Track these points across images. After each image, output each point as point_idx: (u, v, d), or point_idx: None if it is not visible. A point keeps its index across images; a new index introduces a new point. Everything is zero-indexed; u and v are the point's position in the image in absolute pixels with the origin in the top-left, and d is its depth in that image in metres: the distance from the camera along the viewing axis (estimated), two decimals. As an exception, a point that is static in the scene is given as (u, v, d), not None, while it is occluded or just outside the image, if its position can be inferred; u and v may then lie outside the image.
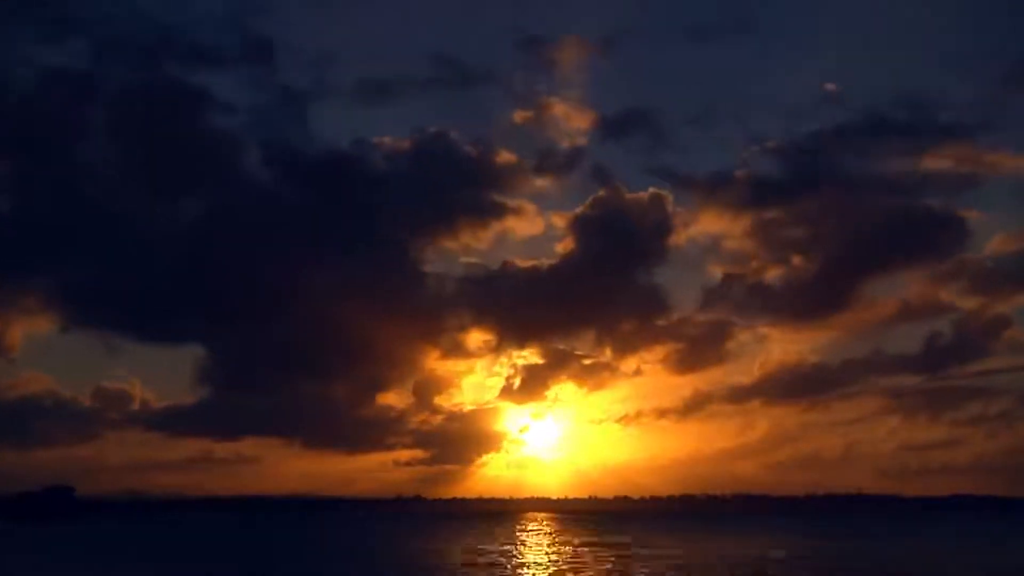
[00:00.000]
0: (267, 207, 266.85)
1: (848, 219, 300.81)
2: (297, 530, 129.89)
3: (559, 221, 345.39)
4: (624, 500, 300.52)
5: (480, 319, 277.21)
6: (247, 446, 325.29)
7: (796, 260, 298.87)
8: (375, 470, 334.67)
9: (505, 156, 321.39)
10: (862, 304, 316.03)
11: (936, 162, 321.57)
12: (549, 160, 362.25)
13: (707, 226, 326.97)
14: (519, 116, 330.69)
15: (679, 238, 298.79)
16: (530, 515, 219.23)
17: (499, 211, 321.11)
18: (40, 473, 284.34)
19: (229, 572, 62.19)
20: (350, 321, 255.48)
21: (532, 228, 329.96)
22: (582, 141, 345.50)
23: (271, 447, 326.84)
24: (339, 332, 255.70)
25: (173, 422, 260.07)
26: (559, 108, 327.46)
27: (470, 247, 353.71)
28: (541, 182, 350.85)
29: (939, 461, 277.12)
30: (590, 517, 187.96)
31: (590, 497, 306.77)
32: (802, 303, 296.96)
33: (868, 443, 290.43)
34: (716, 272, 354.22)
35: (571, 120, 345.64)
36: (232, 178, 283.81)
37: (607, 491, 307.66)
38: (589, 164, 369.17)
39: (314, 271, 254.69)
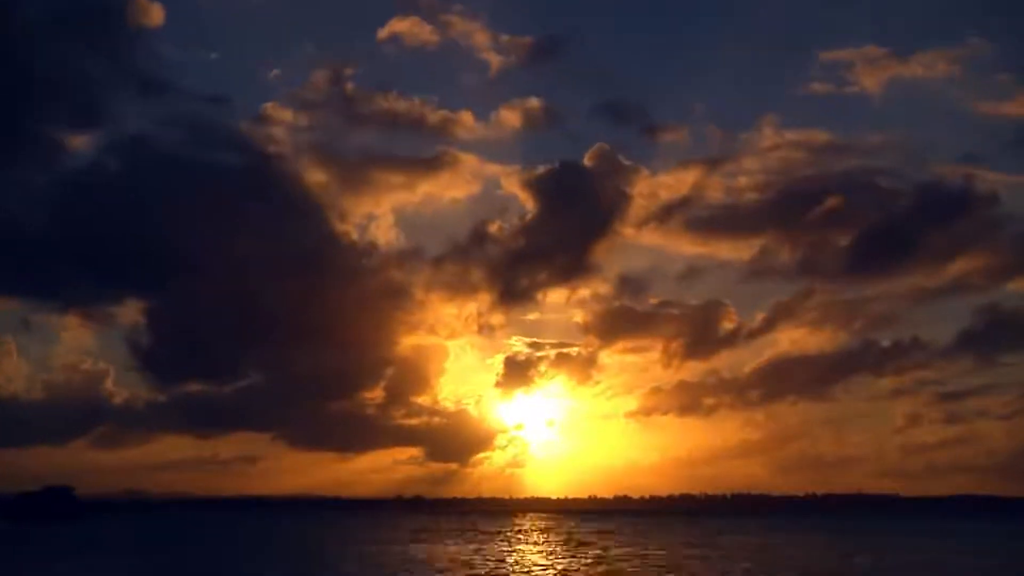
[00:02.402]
0: (148, 158, 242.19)
1: (846, 182, 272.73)
2: (296, 531, 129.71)
3: (498, 172, 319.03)
4: (624, 500, 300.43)
5: (449, 298, 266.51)
6: (244, 445, 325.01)
7: (793, 237, 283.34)
8: (375, 471, 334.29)
9: (416, 101, 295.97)
10: (865, 290, 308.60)
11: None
12: (467, 102, 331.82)
13: (677, 188, 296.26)
14: (410, 35, 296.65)
15: (644, 204, 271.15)
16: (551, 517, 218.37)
17: (430, 166, 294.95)
18: (31, 473, 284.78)
19: (228, 572, 62.12)
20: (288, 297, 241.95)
21: (472, 185, 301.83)
22: (503, 72, 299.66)
23: (269, 447, 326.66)
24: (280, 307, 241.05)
25: (151, 417, 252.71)
26: (460, 26, 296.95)
27: (405, 209, 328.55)
28: (467, 127, 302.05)
29: (941, 460, 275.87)
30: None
31: (590, 497, 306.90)
32: (796, 288, 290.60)
33: (868, 442, 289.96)
34: (695, 248, 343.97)
35: (479, 43, 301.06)
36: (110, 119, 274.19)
37: (607, 491, 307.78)
38: (520, 105, 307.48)
39: (231, 236, 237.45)
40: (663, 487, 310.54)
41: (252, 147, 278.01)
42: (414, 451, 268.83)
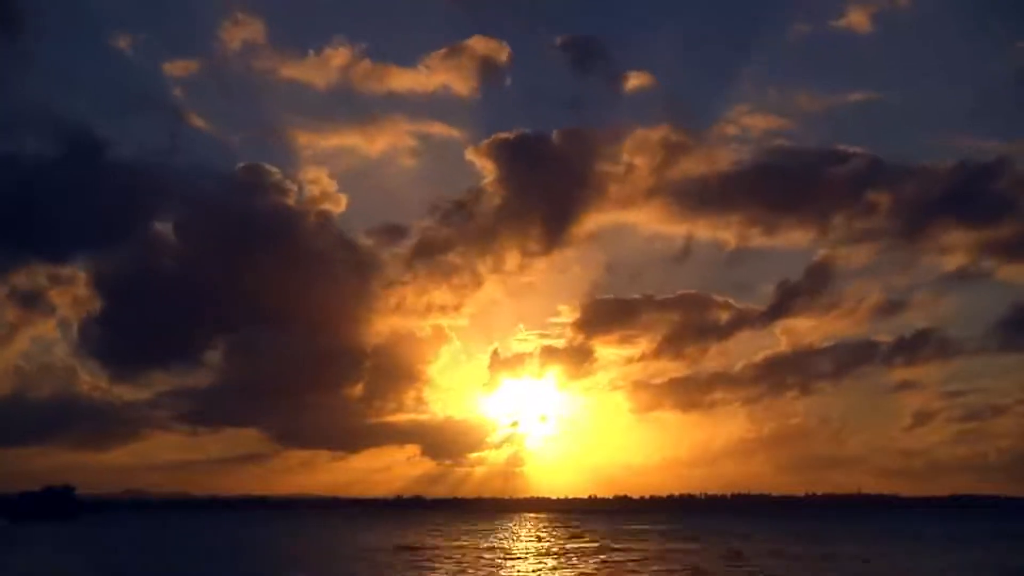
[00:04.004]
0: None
1: (839, 154, 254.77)
2: (295, 531, 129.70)
3: (452, 137, 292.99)
4: (624, 500, 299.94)
5: (419, 284, 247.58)
6: (238, 444, 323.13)
7: (786, 223, 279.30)
8: (373, 470, 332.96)
9: (345, 51, 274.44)
10: (865, 277, 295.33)
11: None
12: (403, 48, 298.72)
13: (654, 157, 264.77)
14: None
15: (621, 180, 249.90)
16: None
17: (371, 129, 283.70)
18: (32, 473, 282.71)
19: (228, 572, 62.09)
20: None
21: (412, 155, 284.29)
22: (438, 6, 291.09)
23: (266, 446, 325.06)
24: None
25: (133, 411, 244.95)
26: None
27: (351, 180, 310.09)
28: (406, 81, 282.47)
29: (941, 460, 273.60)
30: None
31: (590, 497, 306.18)
32: (792, 275, 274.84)
33: (869, 442, 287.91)
34: (682, 228, 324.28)
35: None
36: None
37: (607, 490, 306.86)
38: (465, 50, 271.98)
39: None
40: (663, 487, 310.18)
41: (161, 109, 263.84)
42: (411, 450, 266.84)
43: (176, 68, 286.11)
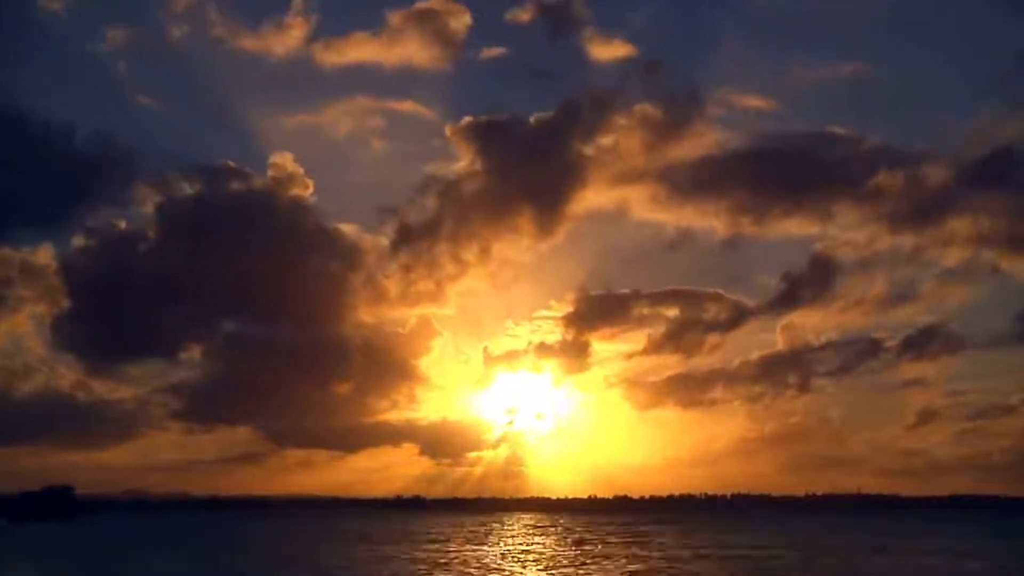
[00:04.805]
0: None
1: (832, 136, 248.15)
2: (294, 532, 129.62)
3: (423, 116, 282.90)
4: (624, 500, 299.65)
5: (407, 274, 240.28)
6: (240, 443, 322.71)
7: (780, 210, 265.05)
8: (372, 470, 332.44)
9: (299, 22, 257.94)
10: (864, 271, 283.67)
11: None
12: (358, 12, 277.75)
13: (641, 138, 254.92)
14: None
15: (602, 163, 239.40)
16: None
17: (333, 109, 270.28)
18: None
19: (227, 572, 61.97)
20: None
21: (381, 135, 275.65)
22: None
23: (267, 447, 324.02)
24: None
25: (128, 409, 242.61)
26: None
27: (318, 162, 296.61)
28: (366, 51, 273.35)
29: (943, 460, 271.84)
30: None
31: (590, 497, 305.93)
32: (789, 268, 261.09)
33: (871, 441, 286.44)
34: (663, 217, 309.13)
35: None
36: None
37: (606, 490, 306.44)
38: (425, 12, 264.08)
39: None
40: (663, 486, 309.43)
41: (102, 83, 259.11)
42: (409, 449, 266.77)
43: (117, 37, 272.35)
